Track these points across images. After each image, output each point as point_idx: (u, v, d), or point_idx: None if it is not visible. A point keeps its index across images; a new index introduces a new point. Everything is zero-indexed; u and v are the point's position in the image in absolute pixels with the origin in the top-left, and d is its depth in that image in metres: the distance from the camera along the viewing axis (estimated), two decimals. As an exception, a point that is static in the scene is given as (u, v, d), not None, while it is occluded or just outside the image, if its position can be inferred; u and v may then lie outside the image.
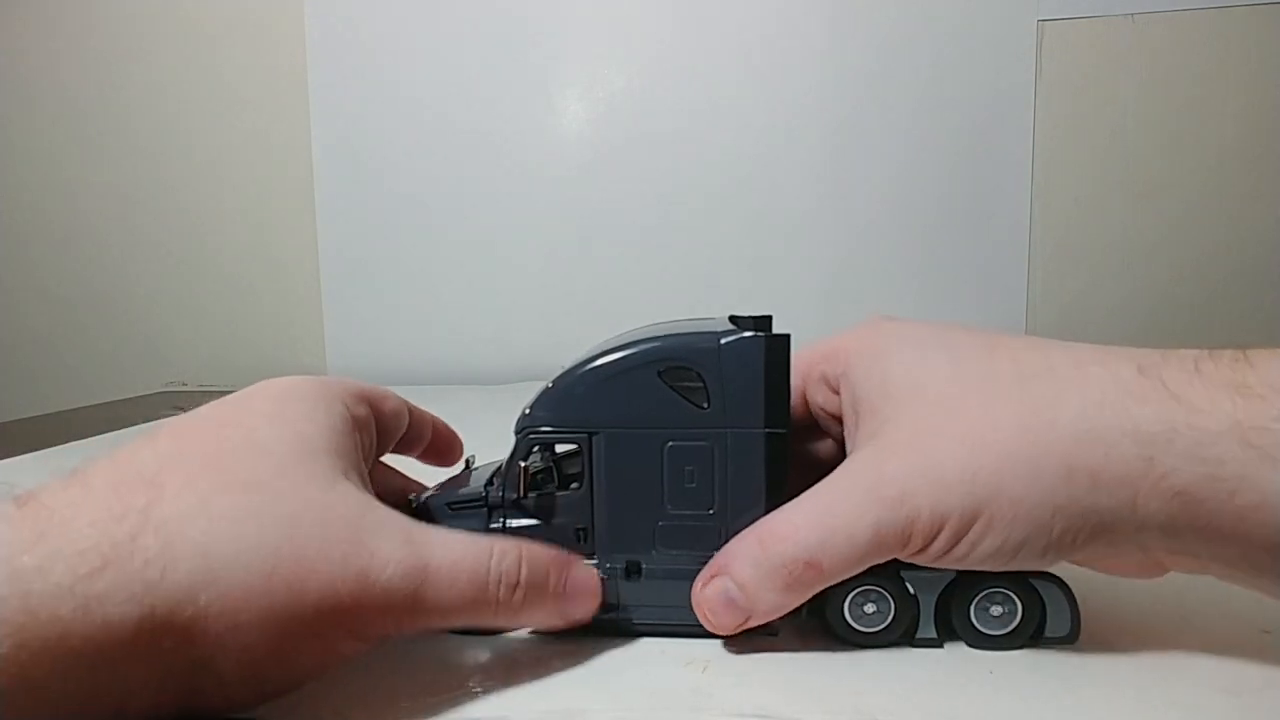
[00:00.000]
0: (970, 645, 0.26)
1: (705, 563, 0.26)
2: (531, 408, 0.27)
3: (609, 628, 0.27)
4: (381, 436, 0.29)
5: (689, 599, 0.26)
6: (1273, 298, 0.77)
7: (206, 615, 0.20)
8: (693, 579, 0.26)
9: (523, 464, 0.27)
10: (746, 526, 0.26)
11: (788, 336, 0.26)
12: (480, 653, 0.26)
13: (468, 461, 0.32)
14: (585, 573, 0.26)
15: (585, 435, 0.27)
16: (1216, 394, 0.21)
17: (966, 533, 0.23)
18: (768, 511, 0.26)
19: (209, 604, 0.20)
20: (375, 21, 0.86)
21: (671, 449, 0.26)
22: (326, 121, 0.88)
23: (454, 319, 0.89)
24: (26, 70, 0.92)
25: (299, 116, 0.88)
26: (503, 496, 0.27)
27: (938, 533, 0.23)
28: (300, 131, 0.88)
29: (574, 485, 0.27)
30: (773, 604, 0.24)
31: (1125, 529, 0.22)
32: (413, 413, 0.31)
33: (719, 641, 0.26)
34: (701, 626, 0.26)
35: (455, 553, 0.23)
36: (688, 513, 0.27)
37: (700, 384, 0.26)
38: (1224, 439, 0.21)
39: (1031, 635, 0.26)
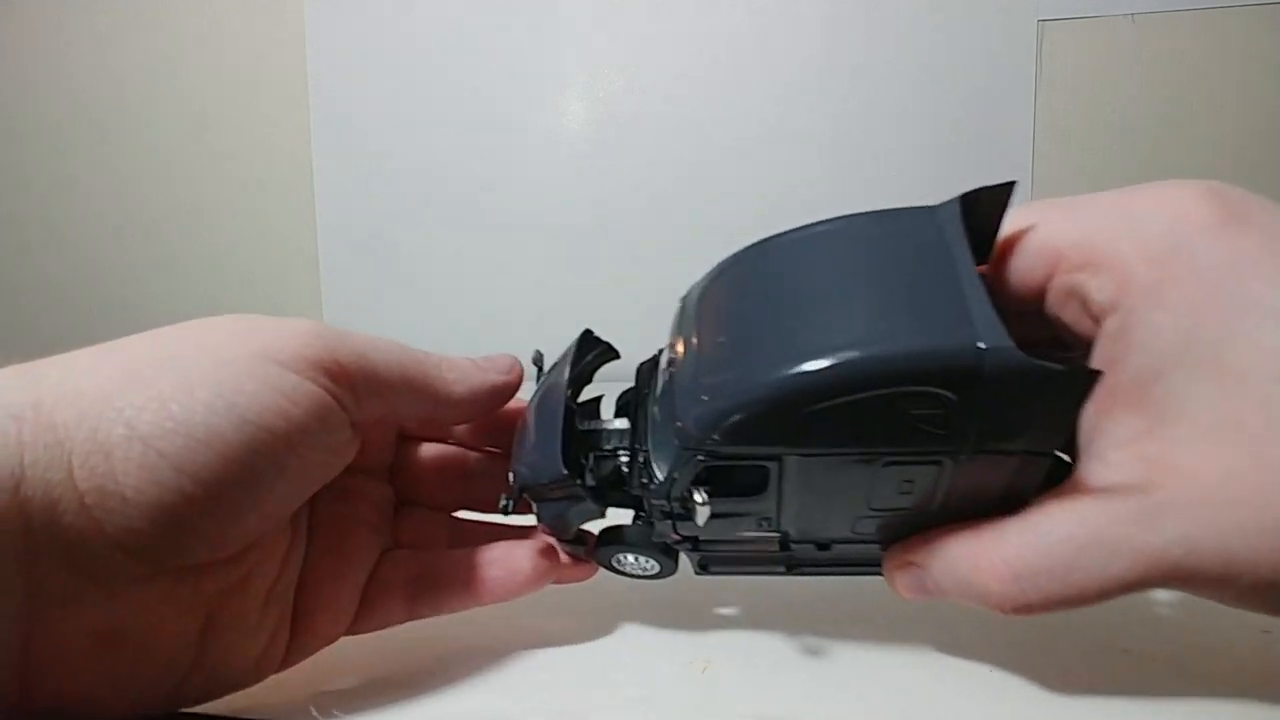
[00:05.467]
0: None
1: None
2: (703, 417, 0.21)
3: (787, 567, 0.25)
4: (377, 389, 0.24)
5: (877, 557, 0.24)
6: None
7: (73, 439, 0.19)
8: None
9: (699, 501, 0.21)
10: (964, 522, 0.22)
11: (1098, 373, 0.18)
12: (482, 651, 0.26)
13: (536, 361, 0.29)
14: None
15: (776, 459, 0.21)
16: None
17: (1201, 594, 0.20)
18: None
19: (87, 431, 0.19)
20: (375, 20, 0.86)
21: (889, 467, 0.21)
22: (326, 121, 0.88)
23: (454, 319, 0.89)
24: (26, 67, 0.92)
25: (298, 114, 0.88)
26: (673, 523, 0.24)
27: (1174, 584, 0.20)
28: (299, 130, 0.88)
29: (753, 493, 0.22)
30: (961, 604, 0.22)
31: None
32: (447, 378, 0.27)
33: (719, 641, 0.26)
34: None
35: None
36: (895, 509, 0.22)
37: (941, 410, 0.19)
38: None
39: None
